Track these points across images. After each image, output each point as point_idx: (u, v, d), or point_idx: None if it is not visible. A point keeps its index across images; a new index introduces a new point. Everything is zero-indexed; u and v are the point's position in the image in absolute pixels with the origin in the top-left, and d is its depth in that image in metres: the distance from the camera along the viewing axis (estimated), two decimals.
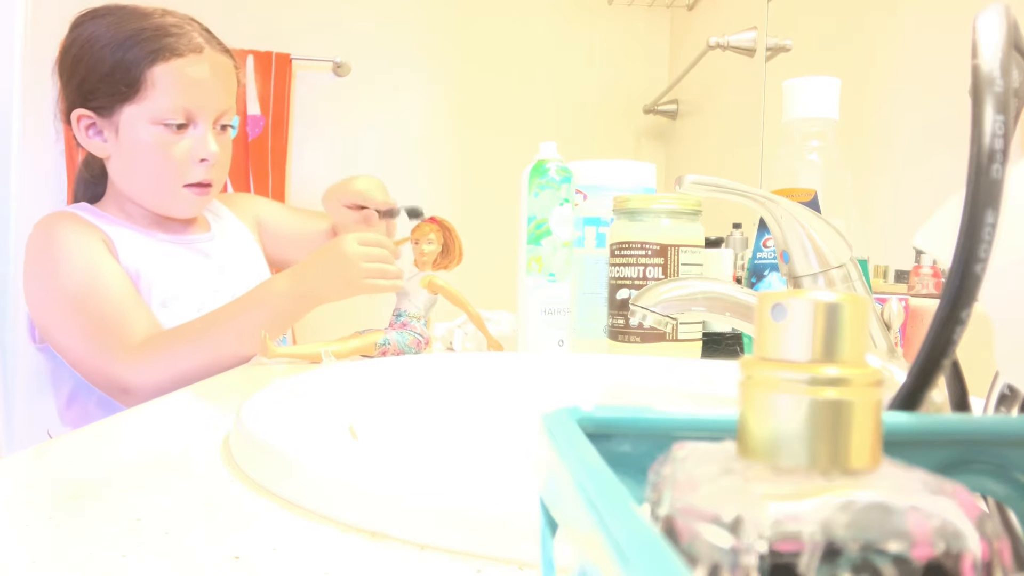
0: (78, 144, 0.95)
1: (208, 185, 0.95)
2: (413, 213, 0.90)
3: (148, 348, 0.83)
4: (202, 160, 0.92)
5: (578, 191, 0.90)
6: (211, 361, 0.81)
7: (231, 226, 1.10)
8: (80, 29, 0.91)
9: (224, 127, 0.96)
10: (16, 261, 1.59)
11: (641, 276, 0.78)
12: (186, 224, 1.01)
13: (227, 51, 0.96)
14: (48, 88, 1.59)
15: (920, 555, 0.13)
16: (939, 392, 0.31)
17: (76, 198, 1.02)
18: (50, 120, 1.67)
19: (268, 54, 1.84)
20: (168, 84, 0.89)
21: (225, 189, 1.08)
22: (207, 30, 0.95)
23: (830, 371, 0.15)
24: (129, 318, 0.85)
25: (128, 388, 0.82)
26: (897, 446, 0.18)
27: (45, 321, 0.89)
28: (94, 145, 0.93)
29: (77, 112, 0.91)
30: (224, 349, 0.82)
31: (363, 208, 1.03)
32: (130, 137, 0.91)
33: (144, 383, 0.81)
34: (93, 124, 0.92)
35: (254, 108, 1.84)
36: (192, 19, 0.94)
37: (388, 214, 1.01)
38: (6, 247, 1.61)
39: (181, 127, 0.91)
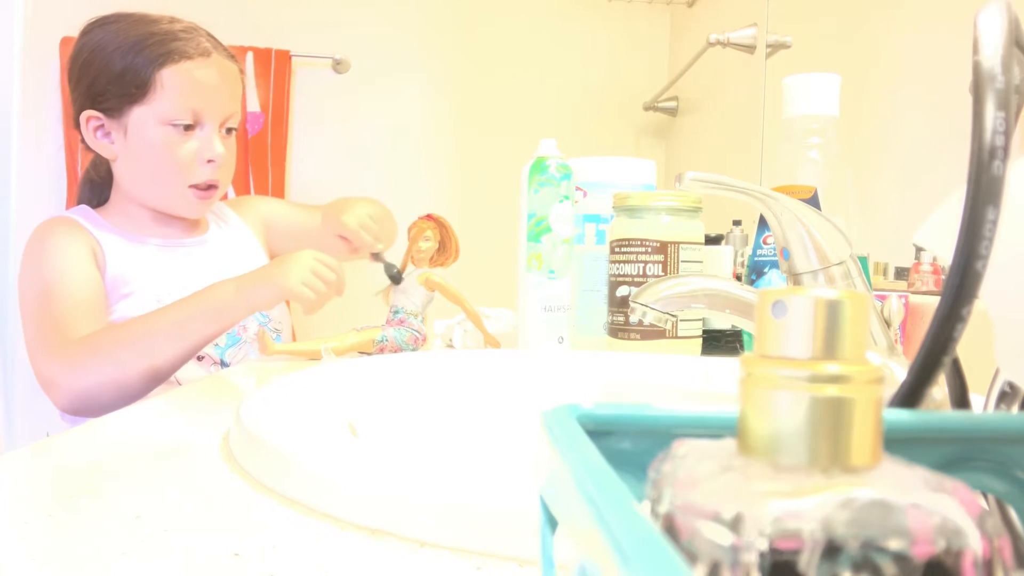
0: (86, 146, 0.96)
1: (213, 187, 0.96)
2: (391, 276, 0.87)
3: (79, 346, 0.82)
4: (209, 161, 0.94)
5: (578, 188, 0.90)
6: (140, 363, 0.80)
7: (233, 230, 1.10)
8: (89, 36, 0.93)
9: (229, 130, 0.97)
10: (16, 260, 1.59)
11: (641, 273, 0.78)
12: (188, 227, 1.01)
13: (232, 57, 0.98)
14: (48, 89, 1.59)
15: (920, 552, 0.13)
16: (939, 389, 0.31)
17: (80, 199, 1.03)
18: (50, 122, 1.67)
19: (268, 51, 1.83)
20: (177, 85, 0.90)
21: (225, 196, 1.08)
22: (213, 37, 0.97)
23: (831, 368, 0.15)
24: (77, 319, 0.85)
25: (55, 384, 0.82)
26: (897, 443, 0.18)
27: (21, 315, 0.91)
28: (102, 146, 0.94)
29: (86, 113, 0.92)
30: (154, 351, 0.80)
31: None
32: (138, 137, 0.92)
33: (69, 381, 0.81)
34: (101, 126, 0.93)
35: (253, 105, 1.84)
36: (197, 26, 0.96)
37: (375, 257, 0.95)
38: (6, 248, 1.61)
39: (188, 128, 0.92)
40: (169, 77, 0.90)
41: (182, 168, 0.93)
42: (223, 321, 0.82)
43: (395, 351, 0.80)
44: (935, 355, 0.19)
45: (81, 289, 0.88)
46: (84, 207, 0.99)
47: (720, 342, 0.91)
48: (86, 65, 0.92)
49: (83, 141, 0.96)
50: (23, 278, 0.92)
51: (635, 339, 0.78)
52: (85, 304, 0.87)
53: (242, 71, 1.00)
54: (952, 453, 0.18)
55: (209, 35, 0.96)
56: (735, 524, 0.13)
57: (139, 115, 0.91)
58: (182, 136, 0.92)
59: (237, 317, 0.83)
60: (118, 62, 0.90)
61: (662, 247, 0.77)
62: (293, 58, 1.87)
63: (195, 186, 0.94)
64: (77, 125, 0.94)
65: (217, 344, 0.92)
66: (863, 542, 0.13)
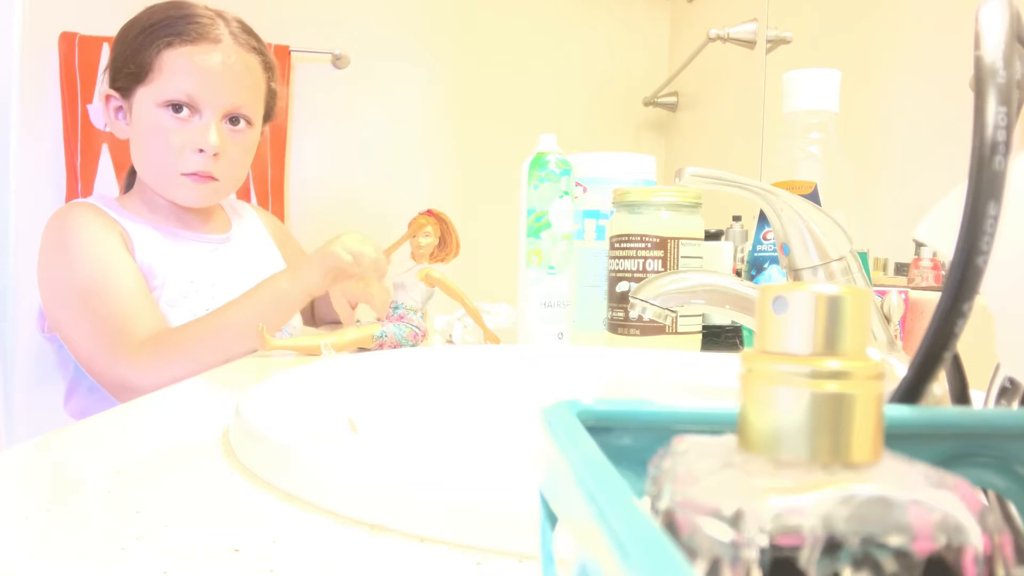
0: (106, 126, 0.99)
1: (208, 177, 0.94)
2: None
3: (151, 347, 0.82)
4: (200, 150, 0.91)
5: (578, 183, 0.90)
6: (214, 358, 0.80)
7: (253, 230, 1.10)
8: (129, 19, 0.94)
9: (236, 123, 0.95)
10: (15, 253, 1.59)
11: (641, 269, 0.78)
12: (205, 220, 1.01)
13: (258, 51, 0.97)
14: (47, 84, 1.59)
15: (921, 549, 0.13)
16: (939, 385, 0.31)
17: (126, 187, 1.04)
18: (49, 117, 1.67)
19: (267, 46, 1.83)
20: (174, 69, 0.90)
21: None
22: (244, 28, 0.96)
23: (831, 364, 0.15)
24: (137, 317, 0.85)
25: (131, 387, 0.82)
26: (898, 439, 0.18)
27: (56, 314, 0.89)
28: (117, 127, 0.96)
29: (107, 92, 0.94)
30: (227, 346, 0.81)
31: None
32: (139, 118, 0.92)
33: (146, 382, 0.80)
34: (120, 107, 0.95)
35: None
36: (226, 16, 0.95)
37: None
38: (5, 240, 1.61)
39: (185, 114, 0.91)
40: (168, 60, 0.90)
41: (172, 154, 0.91)
42: (284, 310, 0.85)
43: (395, 347, 0.80)
44: (936, 351, 0.19)
45: (129, 283, 0.87)
46: (102, 194, 0.99)
47: (720, 338, 0.91)
48: (114, 45, 0.94)
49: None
50: (53, 274, 0.89)
51: (635, 335, 0.78)
52: (139, 298, 0.86)
53: (269, 68, 0.98)
54: (953, 449, 0.18)
55: (240, 25, 0.95)
56: (735, 520, 0.13)
57: (141, 96, 0.91)
58: (177, 122, 0.90)
59: (296, 305, 0.86)
60: (132, 43, 0.91)
61: (662, 243, 0.77)
62: (292, 53, 1.86)
63: (187, 174, 0.93)
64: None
65: None
66: (864, 538, 0.12)
